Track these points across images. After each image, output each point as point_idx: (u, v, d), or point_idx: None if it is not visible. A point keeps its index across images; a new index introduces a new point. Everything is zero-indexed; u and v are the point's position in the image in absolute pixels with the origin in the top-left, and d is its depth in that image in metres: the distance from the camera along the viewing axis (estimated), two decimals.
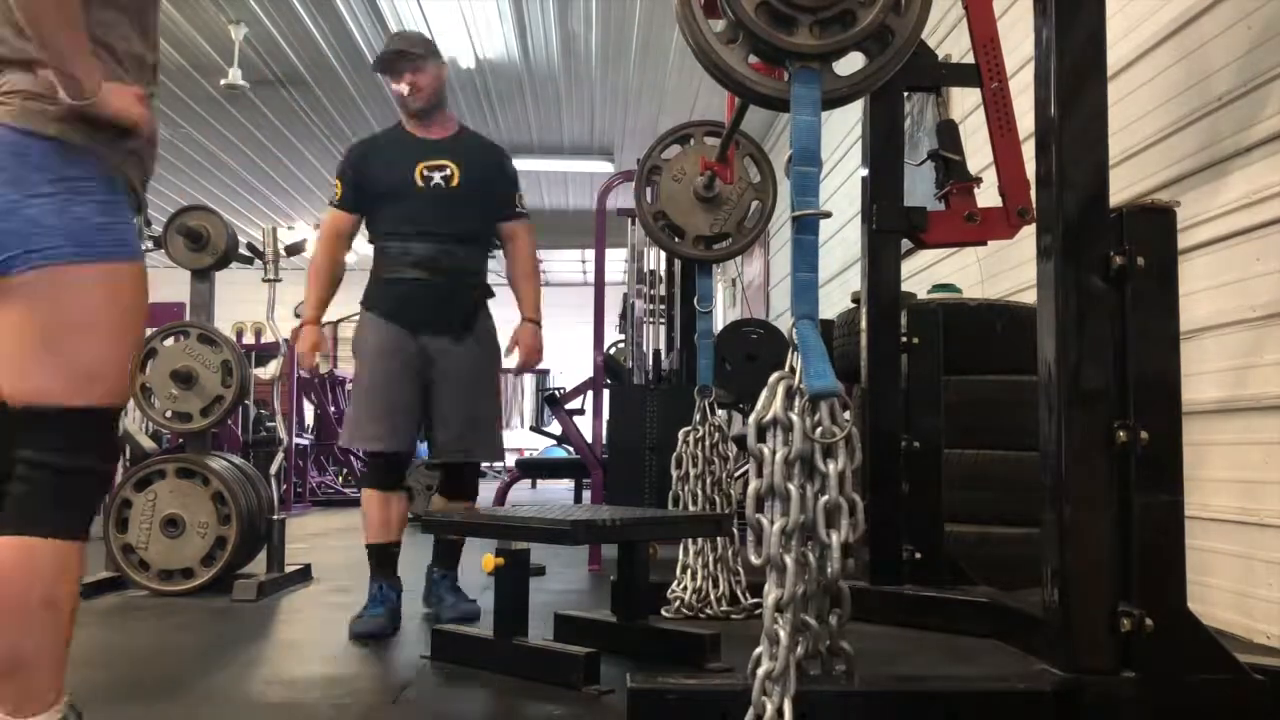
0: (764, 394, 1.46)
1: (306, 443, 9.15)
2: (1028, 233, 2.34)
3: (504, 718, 2.14)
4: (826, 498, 1.43)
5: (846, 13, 1.47)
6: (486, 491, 9.56)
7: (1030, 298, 2.11)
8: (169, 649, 2.75)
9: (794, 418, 1.42)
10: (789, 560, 1.39)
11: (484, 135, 3.38)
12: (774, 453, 1.42)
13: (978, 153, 2.79)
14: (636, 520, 2.54)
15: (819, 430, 1.44)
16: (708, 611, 2.91)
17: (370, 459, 3.14)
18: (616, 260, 9.87)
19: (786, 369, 1.46)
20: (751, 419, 1.46)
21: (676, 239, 3.14)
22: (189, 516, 3.63)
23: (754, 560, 1.43)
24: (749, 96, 1.52)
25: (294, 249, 4.30)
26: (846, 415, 1.46)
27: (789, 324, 1.49)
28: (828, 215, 1.49)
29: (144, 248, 4.42)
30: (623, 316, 3.70)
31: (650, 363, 6.09)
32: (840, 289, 6.41)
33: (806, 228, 1.46)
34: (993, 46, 2.63)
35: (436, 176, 2.99)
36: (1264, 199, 2.60)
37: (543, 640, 2.52)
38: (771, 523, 1.41)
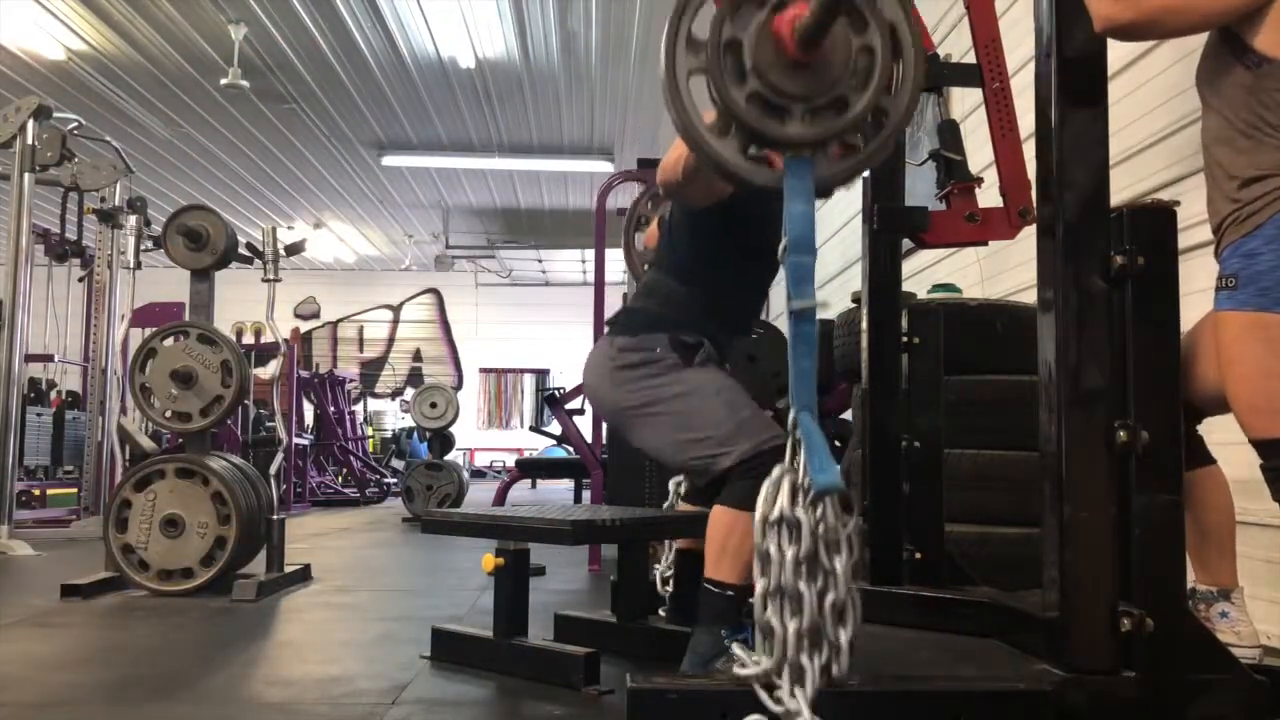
0: (766, 489, 1.43)
1: (306, 443, 9.15)
2: (1028, 233, 2.34)
3: (504, 718, 2.14)
4: (833, 596, 1.41)
5: (839, 99, 1.46)
6: (486, 492, 9.58)
7: (1030, 298, 2.11)
8: (169, 649, 2.75)
9: (801, 515, 1.40)
10: (806, 663, 1.38)
11: None
12: (782, 551, 1.40)
13: (978, 152, 2.79)
14: (636, 520, 2.54)
15: (822, 527, 1.41)
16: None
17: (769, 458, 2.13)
18: (616, 260, 9.87)
19: (787, 463, 1.44)
20: (757, 517, 1.43)
21: None
22: (189, 516, 3.63)
23: (765, 664, 1.41)
24: (745, 187, 1.51)
25: (294, 249, 4.30)
26: (848, 511, 1.44)
27: (789, 314, 1.47)
28: (825, 305, 1.48)
29: (144, 248, 4.44)
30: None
31: None
32: (840, 289, 6.41)
33: (805, 319, 1.44)
34: (994, 46, 2.62)
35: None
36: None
37: (543, 640, 2.52)
38: (784, 625, 1.39)
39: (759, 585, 1.41)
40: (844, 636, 1.41)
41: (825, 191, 1.49)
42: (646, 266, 3.07)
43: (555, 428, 7.45)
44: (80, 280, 7.76)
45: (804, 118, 1.44)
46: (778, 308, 8.98)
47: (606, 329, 2.39)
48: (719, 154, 1.45)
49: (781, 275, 1.53)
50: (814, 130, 1.44)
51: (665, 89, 1.44)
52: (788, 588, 1.40)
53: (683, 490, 2.86)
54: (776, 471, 1.44)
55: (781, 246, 1.45)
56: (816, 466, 1.38)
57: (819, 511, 1.41)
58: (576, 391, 5.75)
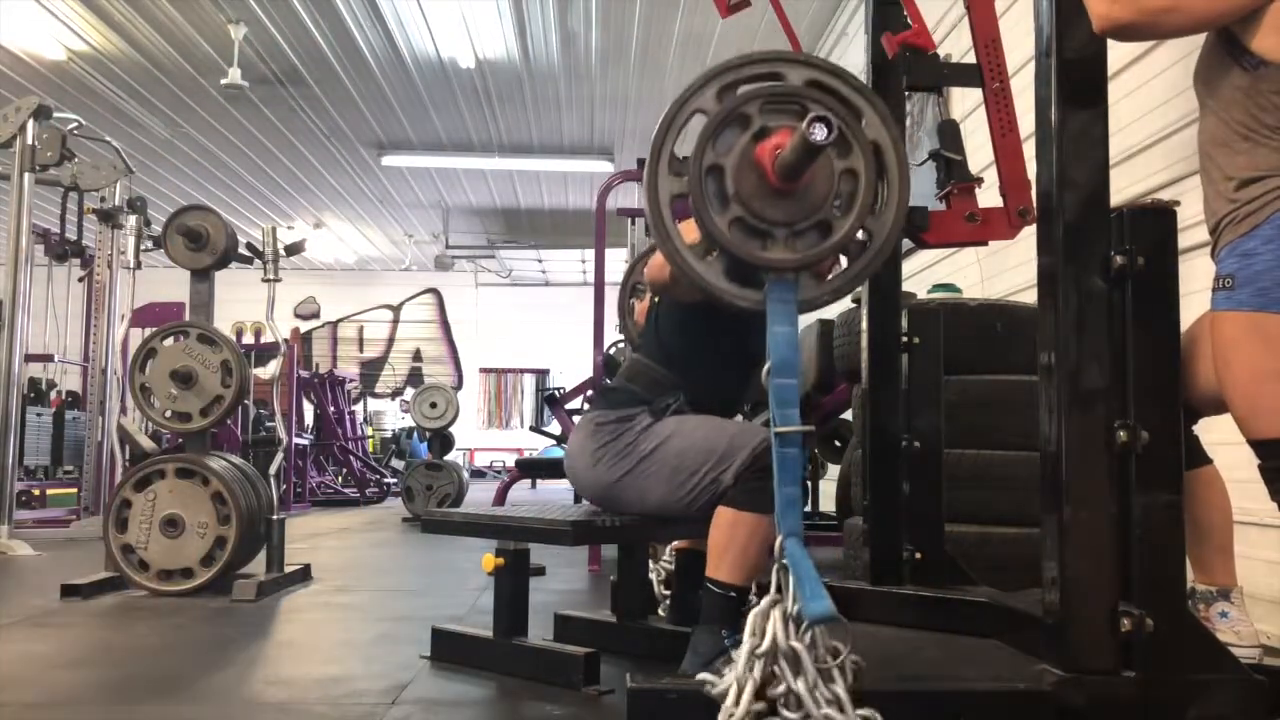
0: (753, 620, 1.39)
1: (306, 443, 9.15)
2: (1028, 233, 2.34)
3: (504, 718, 2.14)
4: None
5: (823, 224, 1.45)
6: (486, 492, 9.58)
7: (1030, 298, 2.11)
8: (169, 649, 2.75)
9: (800, 648, 1.36)
10: None
11: None
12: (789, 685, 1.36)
13: (978, 152, 2.79)
14: (636, 520, 2.54)
15: (814, 656, 1.38)
16: None
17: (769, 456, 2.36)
18: (616, 260, 9.87)
19: (773, 591, 1.40)
20: (744, 650, 1.37)
21: None
22: (189, 516, 3.63)
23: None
24: (728, 309, 1.51)
25: (293, 249, 4.30)
26: (844, 641, 1.39)
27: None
28: (810, 430, 1.47)
29: (144, 248, 4.44)
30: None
31: None
32: None
33: (789, 442, 1.43)
34: (994, 46, 2.62)
35: None
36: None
37: (543, 640, 2.52)
38: None
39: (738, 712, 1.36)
40: None
41: (809, 310, 1.49)
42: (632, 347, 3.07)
43: (555, 428, 7.45)
44: (80, 280, 7.76)
45: (786, 241, 1.44)
46: None
47: (586, 407, 2.42)
48: (702, 276, 1.46)
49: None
50: (796, 255, 1.44)
51: (648, 212, 1.45)
52: None
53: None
54: (765, 602, 1.40)
55: (765, 369, 1.44)
56: (808, 594, 1.34)
57: (808, 640, 1.37)
58: (576, 391, 5.76)
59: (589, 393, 5.27)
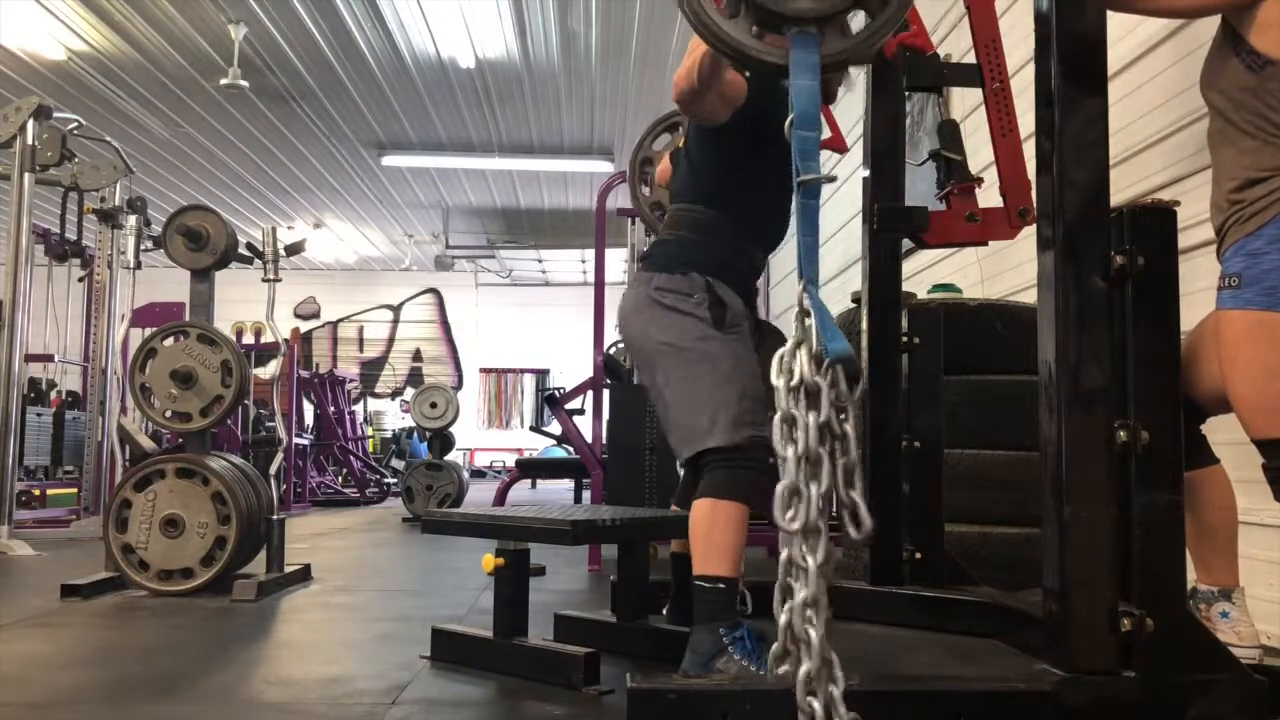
0: (782, 357, 1.45)
1: (306, 443, 9.15)
2: (1028, 233, 2.34)
3: (504, 718, 2.14)
4: (845, 460, 1.43)
5: None
6: (486, 492, 9.58)
7: (1030, 298, 2.11)
8: (169, 649, 2.75)
9: (822, 383, 1.42)
10: (823, 527, 1.40)
11: None
12: (806, 420, 1.42)
13: (978, 152, 2.79)
14: (636, 520, 2.54)
15: (834, 393, 1.44)
16: None
17: (748, 455, 2.11)
18: (616, 260, 9.87)
19: (797, 333, 1.46)
20: (780, 384, 1.44)
21: None
22: (189, 516, 3.63)
23: (792, 526, 1.41)
24: (754, 66, 1.51)
25: (294, 249, 4.30)
26: (856, 379, 1.46)
27: (794, 311, 1.47)
28: (832, 179, 1.49)
29: (144, 248, 4.44)
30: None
31: None
32: (840, 289, 6.40)
33: (810, 193, 1.46)
34: (994, 46, 2.62)
35: None
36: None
37: (543, 640, 2.52)
38: (808, 491, 1.40)
39: (789, 450, 1.42)
40: (856, 496, 1.43)
41: (832, 68, 1.50)
42: (660, 211, 3.03)
43: (555, 428, 7.46)
44: (80, 280, 7.75)
45: None
46: (777, 308, 8.94)
47: (639, 265, 2.39)
48: (730, 35, 1.46)
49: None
50: (819, 5, 1.45)
51: None
52: (811, 453, 1.41)
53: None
54: (791, 341, 1.45)
55: (787, 122, 1.45)
56: (829, 336, 1.41)
57: (829, 378, 1.43)
58: (576, 391, 5.75)
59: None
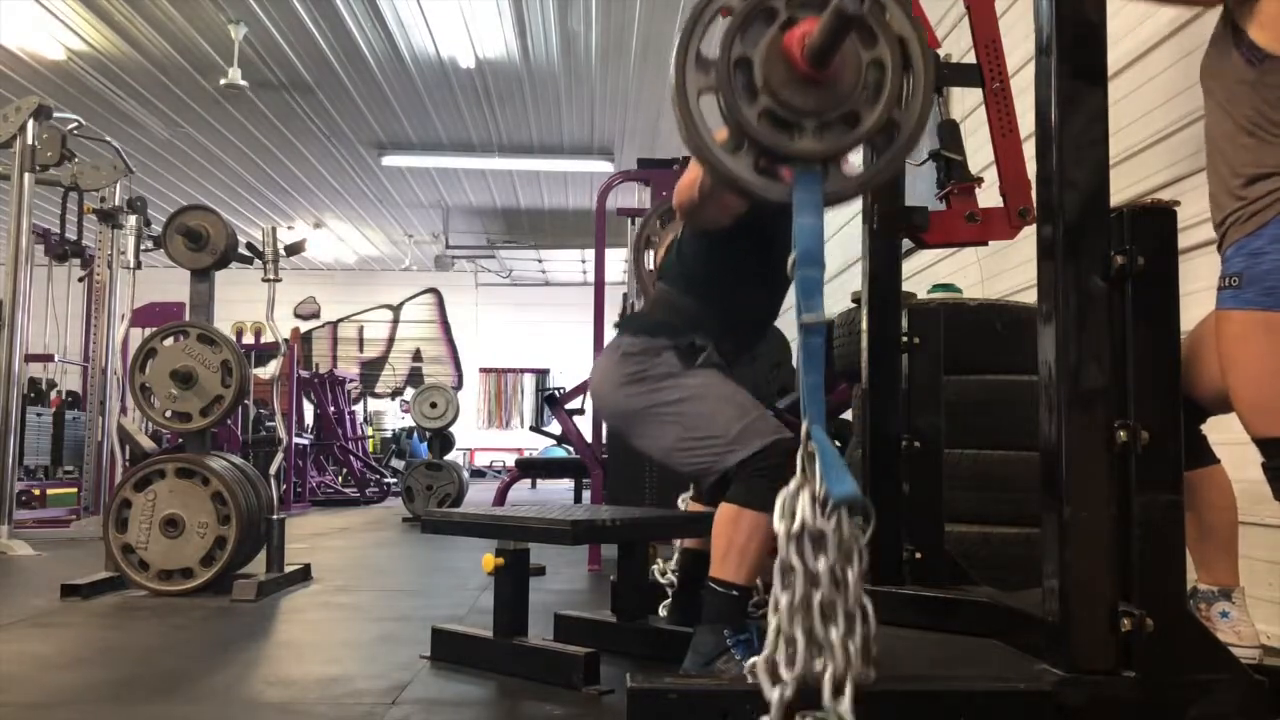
0: (784, 501, 1.42)
1: (306, 443, 9.15)
2: (1028, 233, 2.34)
3: (504, 718, 2.14)
4: (845, 606, 1.40)
5: (851, 114, 1.45)
6: (486, 492, 9.58)
7: (1030, 298, 2.10)
8: (169, 649, 2.75)
9: (825, 527, 1.39)
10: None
11: None
12: (807, 564, 1.39)
13: (978, 152, 2.79)
14: (636, 520, 2.54)
15: (839, 537, 1.41)
16: None
17: (778, 456, 2.06)
18: (616, 260, 9.88)
19: (800, 476, 1.43)
20: (780, 530, 1.41)
21: None
22: (189, 516, 3.63)
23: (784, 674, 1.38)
24: (757, 201, 1.51)
25: (294, 249, 4.30)
26: (867, 521, 1.43)
27: (795, 338, 1.47)
28: (833, 322, 1.48)
29: (144, 248, 4.44)
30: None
31: None
32: (840, 289, 6.41)
33: (814, 332, 1.44)
34: (994, 46, 2.62)
35: None
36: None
37: (543, 640, 2.52)
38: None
39: (784, 599, 1.39)
40: (853, 648, 1.39)
41: (835, 203, 1.49)
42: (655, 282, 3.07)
43: (555, 428, 7.45)
44: (80, 280, 7.75)
45: (815, 132, 1.44)
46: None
47: (615, 329, 2.40)
48: (732, 171, 1.45)
49: (791, 294, 1.53)
50: (824, 145, 1.44)
51: (676, 109, 1.44)
52: (823, 602, 1.38)
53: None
54: (793, 484, 1.43)
55: (790, 260, 1.45)
56: (834, 479, 1.38)
57: (833, 522, 1.40)
58: (576, 391, 5.75)
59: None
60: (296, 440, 8.45)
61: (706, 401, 2.15)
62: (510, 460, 12.65)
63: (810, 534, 1.40)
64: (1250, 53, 1.87)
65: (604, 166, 10.39)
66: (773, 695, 1.36)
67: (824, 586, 1.38)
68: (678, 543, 2.68)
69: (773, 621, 1.40)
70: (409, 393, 14.23)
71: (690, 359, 2.19)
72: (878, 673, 1.42)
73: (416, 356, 17.71)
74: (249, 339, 10.28)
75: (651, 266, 3.52)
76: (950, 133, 2.72)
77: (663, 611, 2.72)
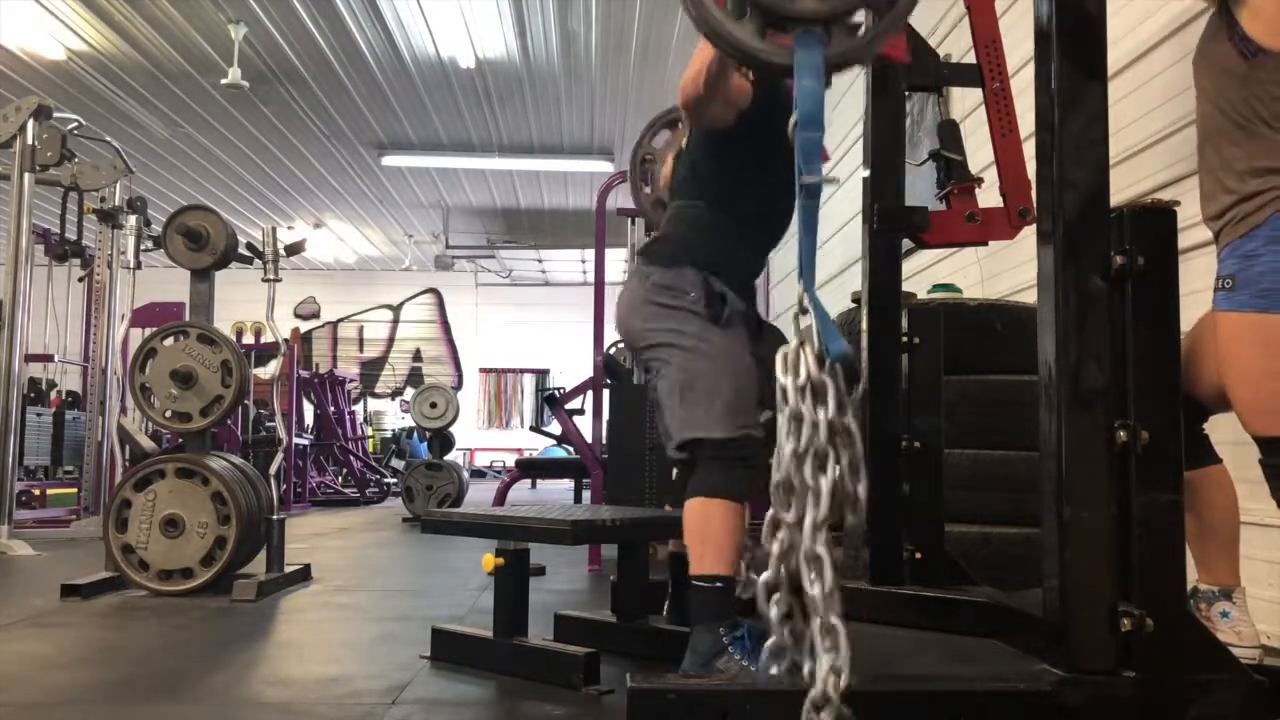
0: (787, 357, 1.45)
1: (306, 443, 9.15)
2: (1028, 233, 2.34)
3: (504, 718, 2.14)
4: (852, 452, 1.44)
5: None
6: (486, 492, 9.58)
7: (1030, 298, 2.10)
8: (169, 649, 2.75)
9: (828, 380, 1.42)
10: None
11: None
12: (815, 416, 1.42)
13: (978, 152, 2.79)
14: (636, 520, 2.54)
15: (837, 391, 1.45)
16: None
17: (741, 449, 2.11)
18: (617, 260, 9.87)
19: (797, 333, 1.46)
20: (788, 382, 1.45)
21: None
22: (189, 516, 3.63)
23: (789, 519, 1.41)
24: (760, 67, 1.51)
25: (294, 249, 4.30)
26: (855, 379, 1.47)
27: (793, 311, 1.48)
28: (834, 181, 1.49)
29: (144, 248, 4.44)
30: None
31: None
32: (840, 289, 6.40)
33: (811, 194, 1.46)
34: (994, 46, 2.62)
35: None
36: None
37: (543, 640, 2.52)
38: (816, 482, 1.41)
39: (789, 446, 1.42)
40: (861, 490, 1.44)
41: (838, 66, 1.49)
42: (661, 207, 3.05)
43: (555, 428, 7.46)
44: (80, 280, 7.75)
45: None
46: (777, 308, 8.91)
47: (638, 259, 2.38)
48: (737, 37, 1.46)
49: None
50: (825, 5, 1.45)
51: None
52: (820, 448, 1.41)
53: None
54: (794, 341, 1.46)
55: (791, 122, 1.45)
56: (829, 337, 1.43)
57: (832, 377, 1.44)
58: (576, 391, 5.76)
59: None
60: (296, 440, 8.45)
61: (714, 364, 2.12)
62: (510, 460, 12.66)
63: (814, 385, 1.43)
64: (1243, 44, 1.87)
65: (604, 166, 10.39)
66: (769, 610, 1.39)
67: (823, 437, 1.42)
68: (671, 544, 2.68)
69: (775, 476, 1.43)
70: (409, 393, 14.23)
71: (717, 309, 2.17)
72: (877, 673, 1.42)
73: (416, 356, 17.72)
74: (249, 339, 10.27)
75: (649, 190, 3.49)
76: (950, 133, 2.73)
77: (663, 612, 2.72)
